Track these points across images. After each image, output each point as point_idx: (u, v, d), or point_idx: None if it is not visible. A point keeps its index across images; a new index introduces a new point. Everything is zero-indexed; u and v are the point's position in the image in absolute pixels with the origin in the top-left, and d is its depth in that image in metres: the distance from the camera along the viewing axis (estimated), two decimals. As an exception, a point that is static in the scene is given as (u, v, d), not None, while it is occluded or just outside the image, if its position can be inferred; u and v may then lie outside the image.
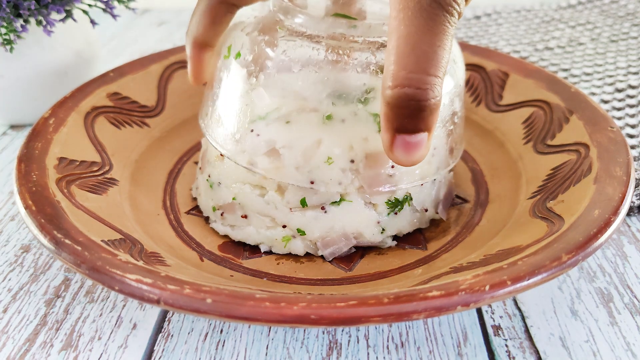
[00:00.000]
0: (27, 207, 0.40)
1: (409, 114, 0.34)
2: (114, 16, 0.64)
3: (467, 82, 0.60)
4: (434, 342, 0.40)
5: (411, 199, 0.46)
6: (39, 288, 0.44)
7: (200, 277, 0.39)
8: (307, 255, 0.46)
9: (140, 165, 0.53)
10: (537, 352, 0.39)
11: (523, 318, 0.41)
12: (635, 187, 0.51)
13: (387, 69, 0.34)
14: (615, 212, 0.39)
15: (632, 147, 0.55)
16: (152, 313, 0.42)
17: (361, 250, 0.46)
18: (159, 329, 0.41)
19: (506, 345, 0.39)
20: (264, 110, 0.46)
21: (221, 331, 0.41)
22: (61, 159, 0.47)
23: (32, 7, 0.57)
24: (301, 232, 0.45)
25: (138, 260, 0.38)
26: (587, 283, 0.44)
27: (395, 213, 0.46)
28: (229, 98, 0.46)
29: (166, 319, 0.42)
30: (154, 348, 0.39)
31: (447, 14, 0.33)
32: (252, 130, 0.45)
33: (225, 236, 0.48)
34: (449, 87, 0.45)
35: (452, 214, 0.50)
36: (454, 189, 0.51)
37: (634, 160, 0.53)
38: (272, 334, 0.40)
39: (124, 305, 0.43)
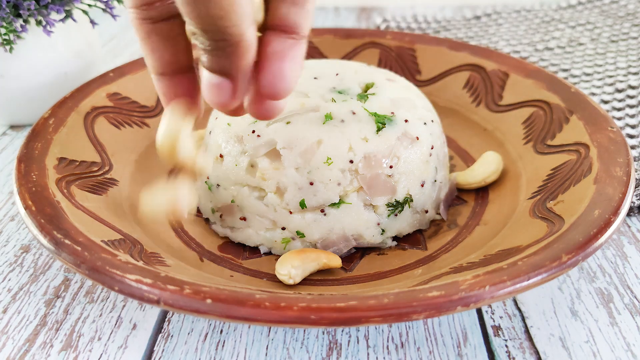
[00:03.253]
0: (27, 208, 0.40)
1: (202, 50, 0.31)
2: (113, 16, 0.64)
3: (467, 82, 0.60)
4: (434, 342, 0.40)
5: (412, 200, 0.46)
6: (39, 288, 0.44)
7: (200, 277, 0.39)
8: (307, 255, 0.46)
9: (140, 165, 0.53)
10: (537, 352, 0.39)
11: (523, 318, 0.41)
12: (635, 187, 0.51)
13: None
14: (615, 212, 0.39)
15: (632, 147, 0.55)
16: (152, 313, 0.42)
17: (361, 251, 0.46)
18: (158, 329, 0.41)
19: (506, 346, 0.39)
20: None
21: (221, 331, 0.41)
22: (61, 159, 0.47)
23: (32, 7, 0.57)
24: (300, 235, 0.45)
25: (138, 261, 0.38)
26: (587, 283, 0.44)
27: (396, 215, 0.46)
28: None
29: (166, 320, 0.42)
30: (154, 348, 0.39)
31: None
32: (253, 131, 0.45)
33: (226, 237, 0.48)
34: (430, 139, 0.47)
35: (452, 214, 0.50)
36: (455, 190, 0.51)
37: (634, 160, 0.53)
38: (272, 334, 0.40)
39: (124, 306, 0.43)
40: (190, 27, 0.30)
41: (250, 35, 0.30)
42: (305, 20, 0.32)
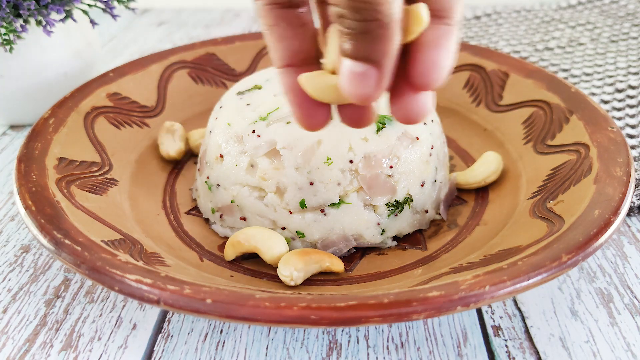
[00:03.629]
0: (27, 207, 0.40)
1: (348, 35, 0.28)
2: (113, 16, 0.64)
3: (467, 82, 0.60)
4: (434, 342, 0.40)
5: (412, 200, 0.46)
6: (39, 288, 0.44)
7: (200, 277, 0.39)
8: (307, 255, 0.46)
9: (140, 165, 0.53)
10: (537, 352, 0.39)
11: (523, 318, 0.41)
12: (635, 187, 0.51)
13: None
14: (615, 212, 0.39)
15: (632, 147, 0.55)
16: (152, 313, 0.42)
17: (361, 251, 0.46)
18: (158, 329, 0.41)
19: (506, 346, 0.39)
20: (264, 111, 0.46)
21: (221, 331, 0.41)
22: (61, 159, 0.47)
23: (32, 7, 0.57)
24: (300, 235, 0.45)
25: (138, 261, 0.38)
26: (587, 283, 0.44)
27: (396, 215, 0.46)
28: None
29: (166, 320, 0.42)
30: (154, 348, 0.39)
31: None
32: (253, 131, 0.45)
33: (226, 237, 0.48)
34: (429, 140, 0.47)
35: (452, 214, 0.50)
36: (455, 190, 0.51)
37: (634, 160, 0.53)
38: (272, 334, 0.40)
39: (124, 306, 0.43)
40: (336, 8, 0.28)
41: (399, 16, 0.28)
42: (458, 5, 0.30)
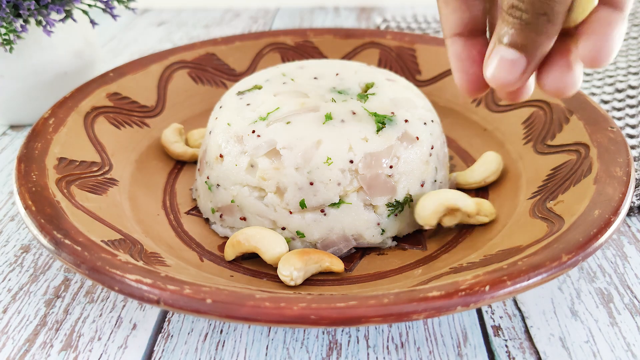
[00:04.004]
0: (27, 207, 0.40)
1: (512, 24, 0.31)
2: (113, 16, 0.64)
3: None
4: (434, 342, 0.40)
5: (412, 200, 0.46)
6: (39, 288, 0.44)
7: (200, 277, 0.39)
8: (307, 255, 0.46)
9: (140, 165, 0.53)
10: (537, 352, 0.39)
11: (523, 318, 0.41)
12: (635, 187, 0.51)
13: None
14: (615, 212, 0.39)
15: (632, 147, 0.55)
16: (152, 313, 0.42)
17: (361, 251, 0.46)
18: (158, 329, 0.41)
19: (506, 346, 0.39)
20: (264, 111, 0.46)
21: (221, 331, 0.41)
22: (61, 159, 0.47)
23: (32, 7, 0.57)
24: (300, 235, 0.45)
25: (138, 261, 0.38)
26: (587, 283, 0.44)
27: (396, 215, 0.46)
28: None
29: (166, 320, 0.42)
30: (154, 348, 0.39)
31: None
32: (253, 131, 0.45)
33: (226, 237, 0.48)
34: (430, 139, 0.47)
35: (452, 214, 0.50)
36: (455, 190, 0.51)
37: (634, 160, 0.53)
38: (272, 334, 0.40)
39: (124, 306, 0.43)
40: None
41: (564, 16, 0.31)
42: None
